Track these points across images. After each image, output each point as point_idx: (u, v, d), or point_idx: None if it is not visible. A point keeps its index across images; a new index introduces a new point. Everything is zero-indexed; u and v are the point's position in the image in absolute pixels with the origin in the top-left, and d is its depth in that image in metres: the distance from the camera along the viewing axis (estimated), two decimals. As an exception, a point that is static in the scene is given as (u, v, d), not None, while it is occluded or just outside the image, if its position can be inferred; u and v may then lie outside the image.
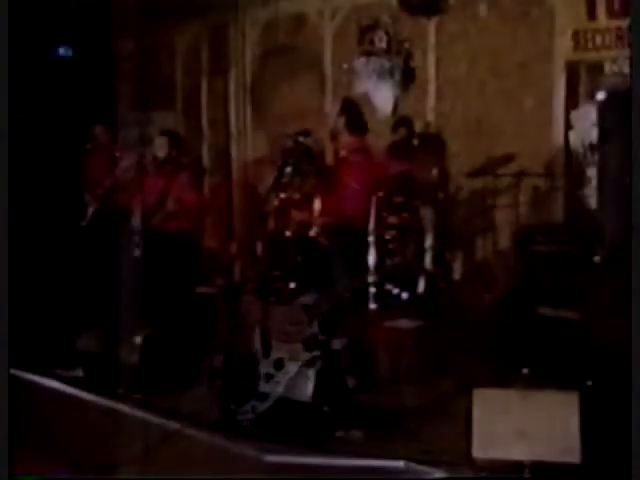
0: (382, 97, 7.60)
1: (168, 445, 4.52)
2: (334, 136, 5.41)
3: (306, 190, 5.62)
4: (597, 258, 4.03)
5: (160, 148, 6.34)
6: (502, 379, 4.84)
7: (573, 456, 3.63)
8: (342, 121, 5.29)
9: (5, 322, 4.02)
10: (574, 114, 6.44)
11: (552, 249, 5.50)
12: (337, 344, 4.92)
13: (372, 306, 6.13)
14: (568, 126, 6.47)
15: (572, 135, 6.43)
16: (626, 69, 6.02)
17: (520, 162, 6.68)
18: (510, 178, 6.60)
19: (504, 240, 6.90)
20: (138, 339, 5.21)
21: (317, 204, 5.49)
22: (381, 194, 6.10)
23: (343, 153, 5.30)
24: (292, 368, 4.44)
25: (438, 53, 7.31)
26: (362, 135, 5.36)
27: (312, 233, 5.57)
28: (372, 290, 6.13)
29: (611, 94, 4.52)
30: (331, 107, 5.47)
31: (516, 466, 3.70)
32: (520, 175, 6.51)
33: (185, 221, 6.30)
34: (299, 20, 8.30)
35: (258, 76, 8.78)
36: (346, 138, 5.31)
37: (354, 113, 5.33)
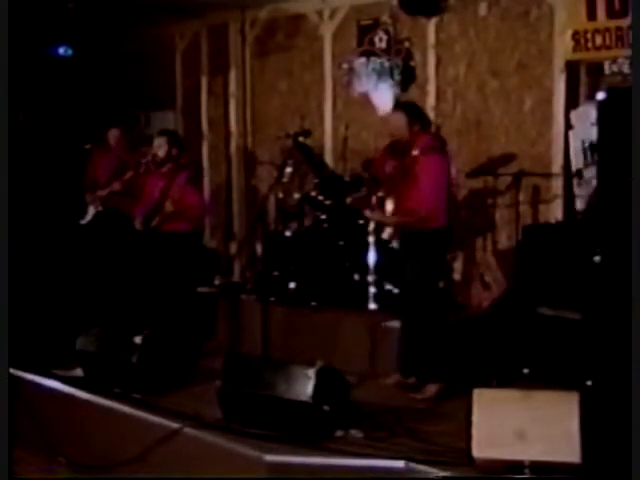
0: (382, 97, 7.60)
1: (168, 445, 4.52)
2: (409, 147, 5.36)
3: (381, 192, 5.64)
4: (597, 258, 4.03)
5: (160, 148, 6.34)
6: (502, 379, 4.85)
7: (573, 456, 3.64)
8: (417, 128, 5.32)
9: (5, 322, 4.02)
10: (574, 114, 6.44)
11: (552, 249, 5.50)
12: None
13: (372, 306, 6.16)
14: (568, 126, 6.47)
15: (572, 135, 6.43)
16: (626, 69, 6.02)
17: (520, 162, 6.68)
18: (510, 178, 6.61)
19: (504, 240, 6.90)
20: (138, 339, 5.21)
21: (390, 205, 5.46)
22: (381, 194, 6.10)
23: (415, 152, 5.29)
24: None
25: (438, 53, 7.30)
26: (428, 130, 5.42)
27: (385, 235, 5.56)
28: (372, 290, 6.16)
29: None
30: (393, 122, 5.50)
31: (516, 466, 3.70)
32: (520, 175, 6.52)
33: (185, 221, 6.30)
34: (299, 20, 8.30)
35: (258, 76, 8.78)
36: (421, 137, 5.32)
37: (419, 115, 5.41)
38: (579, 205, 6.34)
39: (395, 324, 5.77)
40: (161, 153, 6.34)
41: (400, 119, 5.37)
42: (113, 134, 7.54)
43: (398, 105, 5.79)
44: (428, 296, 5.29)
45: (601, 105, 3.97)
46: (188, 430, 4.49)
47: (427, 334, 5.29)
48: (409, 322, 5.38)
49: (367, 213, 5.64)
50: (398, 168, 5.43)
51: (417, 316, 5.32)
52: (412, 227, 5.28)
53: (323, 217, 6.67)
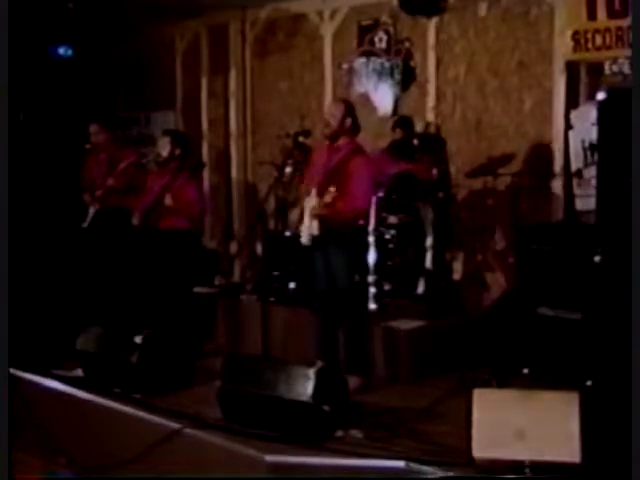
0: (382, 97, 7.61)
1: (168, 445, 4.52)
2: (335, 138, 5.37)
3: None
4: (597, 258, 4.03)
5: (163, 147, 6.36)
6: (502, 379, 4.85)
7: (573, 456, 3.64)
8: (349, 123, 5.31)
9: (5, 322, 4.02)
10: (574, 114, 6.45)
11: (552, 249, 5.50)
12: None
13: (372, 306, 6.15)
14: (568, 126, 6.47)
15: (572, 135, 6.43)
16: (626, 69, 6.02)
17: (520, 162, 6.69)
18: (510, 178, 6.61)
19: (504, 240, 6.90)
20: (138, 339, 5.21)
21: (313, 200, 5.46)
22: (381, 194, 6.10)
23: (342, 154, 5.29)
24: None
25: (438, 53, 7.31)
26: (356, 135, 5.42)
27: (314, 231, 5.56)
28: (372, 290, 6.15)
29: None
30: (331, 110, 5.45)
31: (516, 466, 3.70)
32: (520, 175, 6.52)
33: (184, 218, 6.30)
34: (299, 20, 8.30)
35: (258, 76, 8.78)
36: (347, 139, 5.33)
37: (355, 115, 5.39)
38: (579, 205, 6.35)
39: (396, 324, 5.78)
40: (164, 153, 6.35)
41: (338, 109, 5.37)
42: (93, 130, 7.41)
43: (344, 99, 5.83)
44: (354, 291, 5.39)
45: (601, 105, 3.97)
46: (188, 430, 4.49)
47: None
48: (354, 322, 5.40)
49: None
50: (325, 166, 5.41)
51: (351, 315, 5.36)
52: (337, 224, 5.26)
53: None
